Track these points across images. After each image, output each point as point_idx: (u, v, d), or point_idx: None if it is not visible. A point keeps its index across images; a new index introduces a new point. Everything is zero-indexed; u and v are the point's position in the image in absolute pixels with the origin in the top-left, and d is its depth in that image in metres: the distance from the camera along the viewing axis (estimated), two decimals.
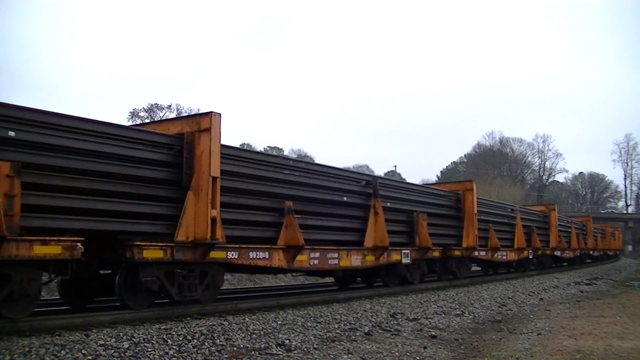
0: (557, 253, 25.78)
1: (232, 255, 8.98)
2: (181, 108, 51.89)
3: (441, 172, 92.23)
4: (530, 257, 21.83)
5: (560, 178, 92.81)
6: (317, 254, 10.81)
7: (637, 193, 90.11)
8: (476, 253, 16.79)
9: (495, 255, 18.28)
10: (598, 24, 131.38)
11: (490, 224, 18.00)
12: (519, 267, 22.16)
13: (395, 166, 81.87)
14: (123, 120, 49.23)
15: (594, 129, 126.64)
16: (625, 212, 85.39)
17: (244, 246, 9.21)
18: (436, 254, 14.78)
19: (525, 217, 22.21)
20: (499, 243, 18.17)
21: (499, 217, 19.39)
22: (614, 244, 45.31)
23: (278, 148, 75.94)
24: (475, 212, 16.42)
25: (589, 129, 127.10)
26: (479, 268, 21.71)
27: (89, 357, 5.57)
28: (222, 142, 8.70)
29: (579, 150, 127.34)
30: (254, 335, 7.20)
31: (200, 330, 7.04)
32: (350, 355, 6.52)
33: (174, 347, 6.27)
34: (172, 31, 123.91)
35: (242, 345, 6.66)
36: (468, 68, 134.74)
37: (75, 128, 7.31)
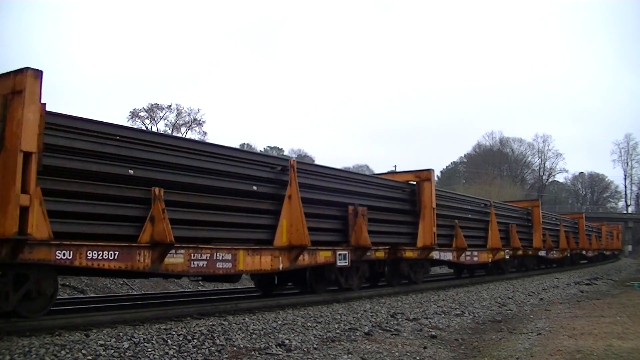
0: (542, 253, 23.39)
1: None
2: (181, 108, 51.95)
3: (441, 172, 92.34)
4: (507, 257, 19.35)
5: (560, 178, 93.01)
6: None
7: (637, 193, 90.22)
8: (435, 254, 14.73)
9: (462, 256, 16.21)
10: (596, 25, 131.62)
11: (456, 220, 16.08)
12: (495, 269, 19.73)
13: (395, 166, 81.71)
14: (123, 120, 49.28)
15: (594, 129, 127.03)
16: (625, 212, 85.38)
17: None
18: (380, 254, 12.75)
19: (503, 213, 19.94)
20: (466, 242, 15.95)
21: (465, 212, 17.17)
22: (611, 244, 41.48)
23: (278, 148, 76.02)
24: (434, 206, 14.20)
25: (588, 129, 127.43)
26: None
27: (89, 357, 5.56)
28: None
29: (579, 150, 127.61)
30: (254, 335, 7.20)
31: (200, 330, 7.04)
32: (350, 355, 6.52)
33: (174, 347, 6.27)
34: (172, 32, 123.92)
35: (242, 345, 6.66)
36: (468, 68, 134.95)
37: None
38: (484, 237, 18.10)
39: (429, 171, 14.36)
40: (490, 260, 18.34)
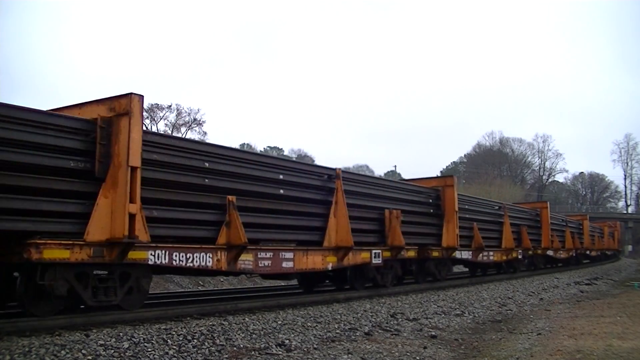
0: (464, 255, 16.56)
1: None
2: (181, 108, 52.01)
3: (441, 172, 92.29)
4: (378, 260, 12.47)
5: (560, 178, 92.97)
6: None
7: (637, 193, 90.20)
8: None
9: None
10: (595, 27, 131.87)
11: (230, 197, 9.53)
12: (361, 279, 12.51)
13: (395, 166, 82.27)
14: None
15: (593, 130, 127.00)
16: (625, 212, 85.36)
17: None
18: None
19: (365, 191, 12.74)
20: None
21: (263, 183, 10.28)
22: (600, 243, 34.75)
23: (278, 148, 76.10)
24: (134, 164, 8.23)
25: (588, 130, 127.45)
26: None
27: (89, 357, 5.57)
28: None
29: (579, 150, 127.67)
30: (254, 335, 7.20)
31: (200, 330, 7.05)
32: (350, 355, 6.53)
33: (174, 347, 6.28)
34: (172, 32, 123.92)
35: (242, 345, 6.66)
36: (468, 69, 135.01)
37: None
38: (321, 228, 11.10)
39: (129, 97, 7.72)
40: (330, 266, 11.08)
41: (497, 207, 19.86)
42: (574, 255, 28.27)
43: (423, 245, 14.43)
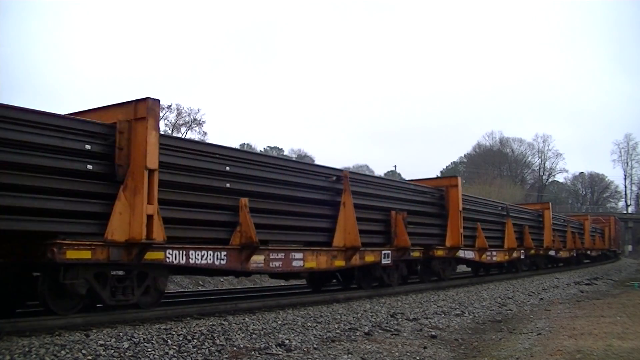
0: (260, 263, 9.33)
1: None
2: (181, 108, 51.98)
3: (441, 172, 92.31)
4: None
5: (560, 178, 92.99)
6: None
7: (637, 193, 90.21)
8: None
9: None
10: (594, 28, 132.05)
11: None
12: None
13: (395, 166, 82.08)
14: None
15: (593, 130, 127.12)
16: (625, 212, 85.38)
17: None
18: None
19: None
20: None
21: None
22: (577, 241, 26.79)
23: (278, 148, 76.09)
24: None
25: (587, 130, 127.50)
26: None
27: (89, 357, 5.57)
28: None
29: (579, 150, 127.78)
30: (254, 335, 7.20)
31: (200, 330, 7.04)
32: (350, 355, 6.53)
33: (174, 347, 6.28)
34: (172, 33, 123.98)
35: (242, 345, 6.66)
36: (468, 69, 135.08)
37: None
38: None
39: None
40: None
41: (334, 178, 11.55)
42: (523, 257, 20.57)
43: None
